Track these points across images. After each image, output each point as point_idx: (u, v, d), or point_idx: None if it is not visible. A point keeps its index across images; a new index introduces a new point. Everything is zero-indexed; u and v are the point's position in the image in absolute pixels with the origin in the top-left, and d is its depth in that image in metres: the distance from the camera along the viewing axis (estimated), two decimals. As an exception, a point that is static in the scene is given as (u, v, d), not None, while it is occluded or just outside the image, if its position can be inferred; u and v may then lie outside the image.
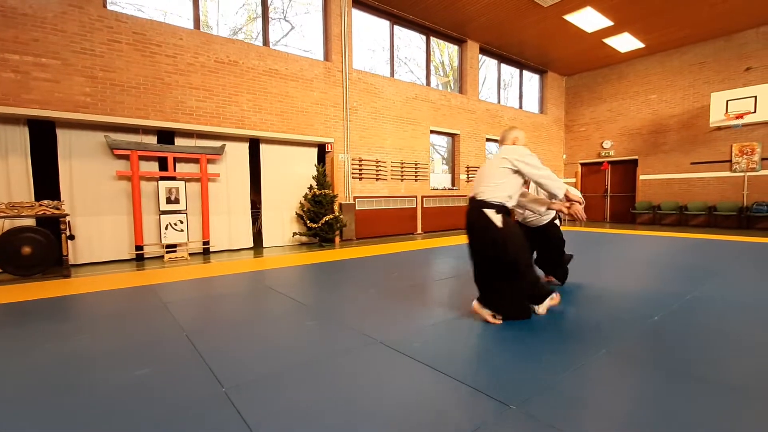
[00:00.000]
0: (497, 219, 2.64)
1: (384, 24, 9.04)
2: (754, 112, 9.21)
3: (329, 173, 8.01)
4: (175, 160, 6.27)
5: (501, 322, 2.77)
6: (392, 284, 4.09)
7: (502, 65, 11.83)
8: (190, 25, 6.47)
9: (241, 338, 2.57)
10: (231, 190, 6.99)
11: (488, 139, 11.32)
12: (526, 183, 3.06)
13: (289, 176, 7.65)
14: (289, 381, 1.94)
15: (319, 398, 1.77)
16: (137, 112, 5.82)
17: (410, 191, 9.35)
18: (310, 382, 1.92)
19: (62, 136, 5.52)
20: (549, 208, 3.04)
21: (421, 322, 2.86)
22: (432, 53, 10.11)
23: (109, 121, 5.59)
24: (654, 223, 11.38)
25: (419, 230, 9.55)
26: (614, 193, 12.62)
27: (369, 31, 8.90)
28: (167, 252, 6.15)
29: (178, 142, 6.39)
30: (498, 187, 2.69)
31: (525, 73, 12.57)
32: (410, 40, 9.73)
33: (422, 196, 9.56)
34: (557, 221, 3.82)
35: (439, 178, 10.51)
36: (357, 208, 8.32)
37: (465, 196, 10.53)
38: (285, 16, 7.81)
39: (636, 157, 11.88)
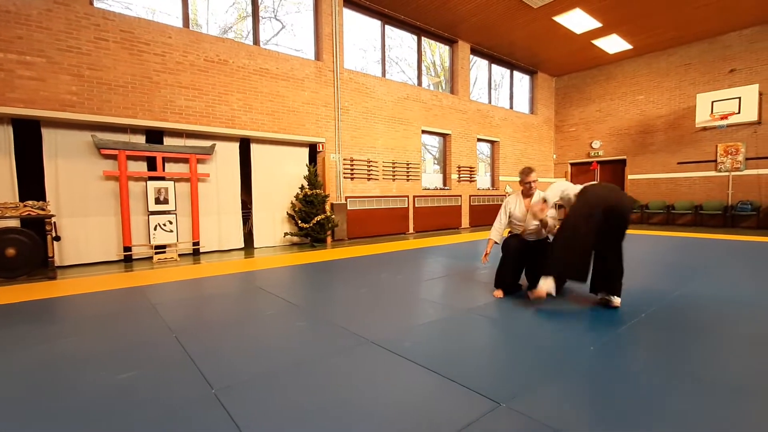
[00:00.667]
0: None
1: (375, 24, 9.04)
2: (738, 112, 9.40)
3: (321, 173, 7.98)
4: (164, 159, 6.19)
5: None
6: (384, 284, 4.09)
7: (493, 66, 11.90)
8: (179, 23, 6.39)
9: (231, 339, 2.54)
10: (221, 191, 6.92)
11: (479, 140, 11.38)
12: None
13: (281, 176, 7.61)
14: (280, 382, 1.93)
15: (310, 399, 1.77)
16: (125, 111, 5.74)
17: (402, 191, 9.36)
18: (301, 383, 1.92)
19: (48, 135, 5.41)
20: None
21: (412, 321, 2.86)
22: (423, 53, 10.13)
23: (96, 120, 5.50)
24: (642, 222, 11.55)
25: (411, 230, 9.57)
26: (603, 192, 12.75)
27: (360, 31, 8.89)
28: (156, 253, 6.07)
29: (167, 141, 6.31)
30: None
31: (516, 73, 12.67)
32: (402, 40, 9.75)
33: (414, 196, 9.58)
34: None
35: (430, 178, 10.54)
36: (349, 208, 8.31)
37: (457, 195, 10.58)
38: (275, 15, 7.77)
39: (624, 157, 12.05)
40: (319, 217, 7.21)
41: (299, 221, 7.27)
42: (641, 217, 11.61)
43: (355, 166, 8.46)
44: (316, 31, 8.02)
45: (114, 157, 5.79)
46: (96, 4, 5.64)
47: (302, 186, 7.41)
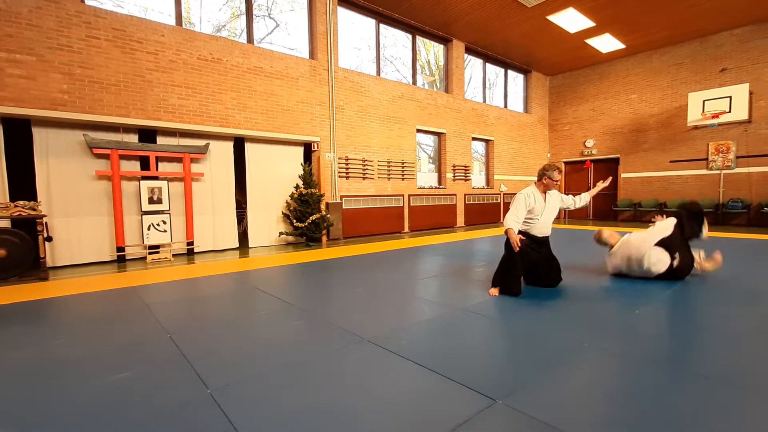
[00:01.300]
0: None
1: (370, 22, 9.02)
2: (729, 111, 9.50)
3: (316, 172, 7.96)
4: (158, 159, 6.14)
5: None
6: (379, 283, 4.09)
7: (488, 65, 11.93)
8: (171, 21, 6.34)
9: (226, 339, 2.53)
10: (215, 190, 6.88)
11: (474, 138, 11.41)
12: None
13: (275, 175, 7.58)
14: (276, 381, 1.92)
15: (306, 398, 1.76)
16: (117, 110, 5.68)
17: (397, 190, 9.36)
18: (297, 382, 1.91)
19: (38, 134, 5.34)
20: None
21: (408, 319, 2.87)
22: (418, 52, 10.13)
23: (87, 119, 5.44)
24: (635, 220, 11.66)
25: (406, 229, 9.57)
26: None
27: (355, 30, 8.87)
28: (150, 253, 6.02)
29: (161, 140, 6.26)
30: None
31: (510, 72, 12.71)
32: (396, 39, 9.74)
33: (409, 195, 9.59)
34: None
35: (425, 177, 10.55)
36: (344, 207, 8.29)
37: (451, 194, 10.60)
38: (269, 14, 7.73)
39: (617, 155, 12.14)
40: (314, 217, 7.19)
41: (294, 220, 7.24)
42: (634, 216, 11.71)
43: (350, 165, 8.45)
44: (311, 30, 7.99)
45: (106, 157, 5.73)
46: (87, 2, 5.58)
47: (297, 185, 7.39)
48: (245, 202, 7.44)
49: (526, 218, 3.52)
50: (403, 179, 9.46)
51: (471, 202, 11.18)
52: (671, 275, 3.77)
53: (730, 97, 9.50)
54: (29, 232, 4.69)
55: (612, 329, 2.57)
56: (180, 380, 1.95)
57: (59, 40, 5.25)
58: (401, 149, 9.43)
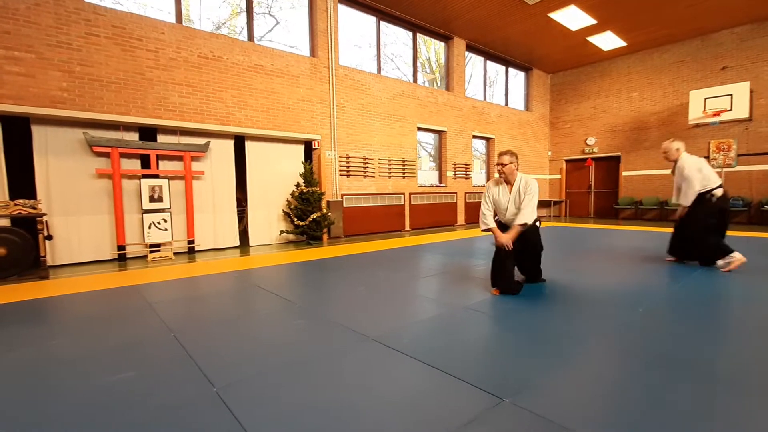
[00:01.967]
0: None
1: (370, 20, 8.99)
2: (730, 110, 9.48)
3: (316, 170, 7.93)
4: (158, 157, 6.12)
5: None
6: (381, 281, 4.07)
7: (488, 62, 11.90)
8: (171, 18, 6.30)
9: (230, 337, 2.52)
10: (216, 188, 6.86)
11: (475, 136, 11.39)
12: None
13: (276, 174, 7.56)
14: (281, 379, 1.91)
15: (312, 396, 1.75)
16: (117, 108, 5.65)
17: (398, 188, 9.34)
18: (302, 380, 1.90)
19: (38, 132, 5.32)
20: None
21: (410, 318, 2.85)
22: (419, 50, 10.10)
23: (87, 117, 5.41)
24: (636, 218, 11.65)
25: (407, 227, 9.56)
26: (598, 189, 12.86)
27: (355, 27, 8.84)
28: (151, 251, 6.01)
29: (161, 139, 6.23)
30: None
31: (511, 70, 12.68)
32: (397, 37, 9.71)
33: (410, 193, 9.57)
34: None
35: (426, 175, 10.53)
36: (345, 205, 8.27)
37: (452, 193, 10.58)
38: (270, 11, 7.69)
39: (619, 153, 12.12)
40: (315, 215, 7.17)
41: (295, 219, 7.23)
42: (636, 213, 11.70)
43: (350, 164, 8.43)
44: (311, 27, 7.95)
45: (107, 155, 5.70)
46: (86, -1, 5.55)
47: (298, 183, 7.37)
48: (245, 201, 7.42)
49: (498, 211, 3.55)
50: (403, 177, 9.45)
51: (472, 201, 11.17)
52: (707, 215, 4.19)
53: (731, 95, 9.48)
54: (29, 231, 4.67)
55: (617, 327, 2.56)
56: (186, 379, 1.94)
57: (58, 38, 5.22)
58: (402, 147, 9.41)
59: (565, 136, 13.48)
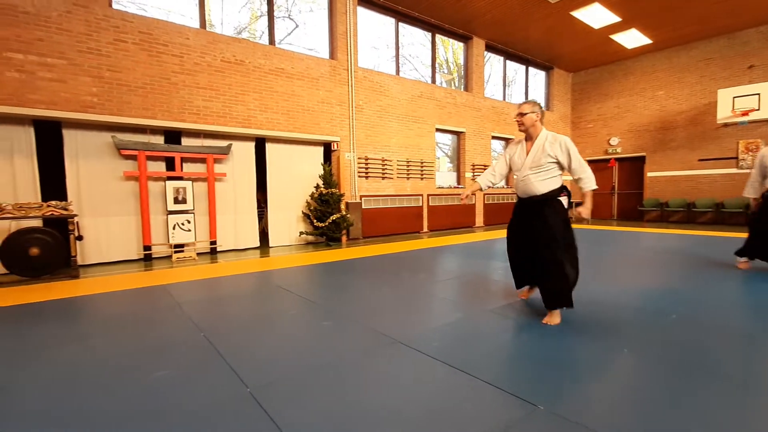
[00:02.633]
0: None
1: (389, 21, 8.99)
2: (758, 109, 9.13)
3: (335, 172, 7.97)
4: (182, 160, 6.24)
5: None
6: (404, 283, 4.05)
7: (508, 62, 11.75)
8: (195, 24, 6.43)
9: (259, 338, 2.53)
10: (237, 190, 6.96)
11: (494, 137, 11.25)
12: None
13: (296, 175, 7.62)
14: (313, 381, 1.91)
15: (346, 398, 1.74)
16: (144, 112, 5.79)
17: (416, 190, 9.30)
18: (334, 382, 1.89)
19: (68, 136, 5.49)
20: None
21: (437, 321, 2.82)
22: (437, 50, 10.04)
23: (116, 121, 5.57)
24: (662, 220, 11.31)
25: (425, 228, 9.51)
26: (621, 190, 12.54)
27: (374, 29, 8.85)
28: (175, 252, 6.13)
29: (185, 141, 6.36)
30: None
31: (531, 69, 12.49)
32: (414, 38, 9.68)
33: (428, 195, 9.52)
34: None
35: (444, 176, 10.46)
36: (363, 206, 8.28)
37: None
38: (289, 15, 7.77)
39: (643, 153, 11.79)
40: (334, 216, 7.20)
41: (315, 220, 7.27)
42: (661, 215, 11.36)
43: (369, 165, 8.43)
44: (331, 30, 8.00)
45: (134, 158, 5.85)
46: (114, 6, 5.70)
47: (317, 185, 7.41)
48: (265, 202, 7.50)
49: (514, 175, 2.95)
50: (422, 179, 9.40)
51: (490, 202, 11.04)
52: None
53: (759, 94, 9.13)
54: (61, 231, 4.82)
55: (651, 334, 2.47)
56: (219, 379, 1.95)
57: (88, 44, 5.38)
58: (420, 149, 9.37)
59: (587, 136, 13.19)
